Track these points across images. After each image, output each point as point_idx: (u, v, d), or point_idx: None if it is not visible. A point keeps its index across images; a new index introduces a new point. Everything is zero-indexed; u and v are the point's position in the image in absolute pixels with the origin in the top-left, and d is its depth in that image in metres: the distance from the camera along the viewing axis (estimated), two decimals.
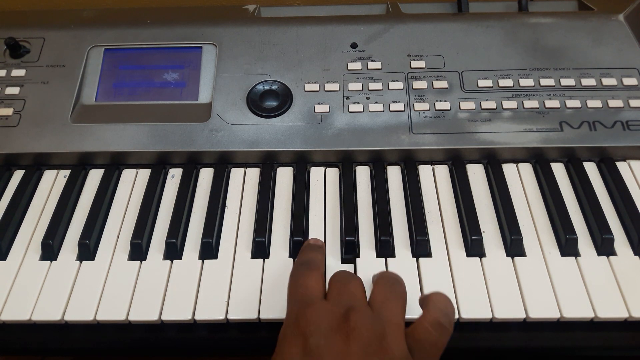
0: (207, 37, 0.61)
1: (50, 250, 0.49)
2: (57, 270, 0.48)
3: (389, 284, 0.39)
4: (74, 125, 0.56)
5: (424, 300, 0.39)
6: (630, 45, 0.59)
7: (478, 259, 0.47)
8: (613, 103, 0.55)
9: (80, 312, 0.45)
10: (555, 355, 0.45)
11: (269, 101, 0.57)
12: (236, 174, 0.55)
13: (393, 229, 0.50)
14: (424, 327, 0.36)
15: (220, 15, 0.67)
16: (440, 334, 0.36)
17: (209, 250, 0.48)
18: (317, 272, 0.41)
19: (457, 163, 0.55)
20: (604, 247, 0.47)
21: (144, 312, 0.45)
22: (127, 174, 0.56)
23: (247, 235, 0.50)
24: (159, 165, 0.56)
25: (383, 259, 0.47)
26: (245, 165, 0.56)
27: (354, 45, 0.60)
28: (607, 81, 0.56)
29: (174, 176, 0.55)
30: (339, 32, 0.61)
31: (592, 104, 0.55)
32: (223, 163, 0.56)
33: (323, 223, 0.51)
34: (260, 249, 0.48)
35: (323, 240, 0.49)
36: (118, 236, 0.50)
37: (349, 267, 0.47)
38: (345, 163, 0.55)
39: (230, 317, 0.44)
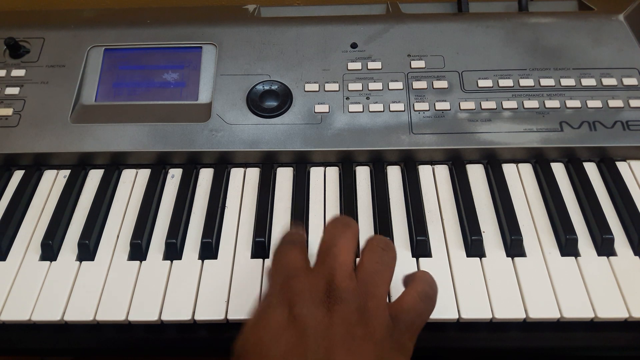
0: (207, 37, 0.61)
1: (50, 250, 0.49)
2: (57, 271, 0.48)
3: (379, 252, 0.38)
4: (74, 126, 0.56)
5: (409, 277, 0.40)
6: (630, 45, 0.59)
7: (478, 259, 0.47)
8: (613, 103, 0.55)
9: (80, 312, 0.45)
10: (555, 355, 0.45)
11: (269, 101, 0.57)
12: (236, 174, 0.55)
13: (393, 229, 0.50)
14: (411, 296, 0.37)
15: (220, 15, 0.67)
16: (426, 304, 0.37)
17: (208, 250, 0.48)
18: (300, 247, 0.41)
19: (457, 163, 0.55)
20: (604, 247, 0.47)
21: (144, 312, 0.45)
22: (127, 174, 0.56)
23: (247, 235, 0.50)
24: (158, 165, 0.56)
25: None
26: (245, 165, 0.56)
27: (354, 45, 0.60)
28: (607, 81, 0.56)
29: (174, 176, 0.55)
30: (339, 32, 0.61)
31: (592, 104, 0.55)
32: (223, 163, 0.56)
33: (323, 223, 0.51)
34: (260, 249, 0.48)
35: None
36: (118, 236, 0.50)
37: None
38: (345, 163, 0.55)
39: (230, 317, 0.44)
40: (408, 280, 0.40)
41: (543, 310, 0.43)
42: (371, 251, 0.39)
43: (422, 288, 0.37)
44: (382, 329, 0.34)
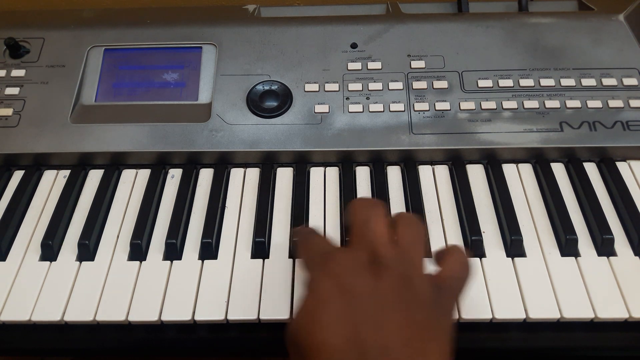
0: (207, 37, 0.61)
1: (50, 250, 0.49)
2: (57, 271, 0.48)
3: (412, 225, 0.39)
4: (74, 126, 0.56)
5: (441, 251, 0.40)
6: (630, 45, 0.59)
7: (478, 259, 0.47)
8: (613, 103, 0.55)
9: (80, 312, 0.45)
10: (555, 355, 0.45)
11: (269, 101, 0.57)
12: (236, 174, 0.55)
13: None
14: (450, 264, 0.37)
15: (220, 15, 0.67)
16: (464, 270, 0.38)
17: (208, 250, 0.48)
18: (321, 235, 0.41)
19: (457, 163, 0.55)
20: (604, 247, 0.47)
21: (144, 312, 0.45)
22: (127, 174, 0.56)
23: (247, 236, 0.50)
24: (158, 165, 0.56)
25: None
26: (245, 165, 0.56)
27: (354, 45, 0.60)
28: (607, 81, 0.56)
29: (174, 176, 0.55)
30: (339, 32, 0.61)
31: (592, 104, 0.55)
32: (223, 163, 0.56)
33: (323, 223, 0.51)
34: (260, 249, 0.48)
35: None
36: (118, 236, 0.50)
37: None
38: (345, 163, 0.55)
39: (230, 317, 0.44)
40: (440, 254, 0.40)
41: (543, 310, 0.43)
42: (404, 225, 0.39)
43: (458, 256, 0.38)
44: (426, 294, 0.34)
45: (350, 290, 0.33)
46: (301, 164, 0.55)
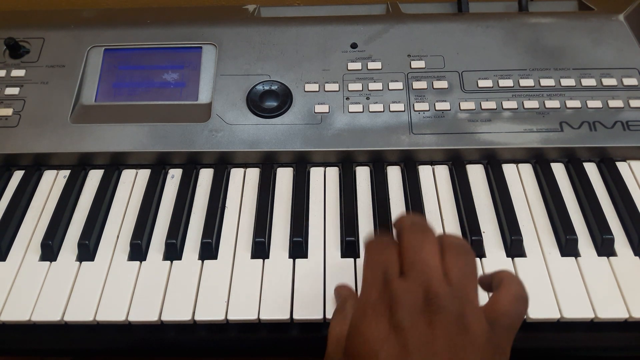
0: (207, 37, 0.61)
1: (49, 250, 0.49)
2: (57, 271, 0.48)
3: (463, 255, 0.37)
4: (74, 126, 0.56)
5: (494, 279, 0.38)
6: (630, 45, 0.59)
7: (478, 259, 0.47)
8: (613, 103, 0.55)
9: (80, 312, 0.45)
10: (555, 355, 0.45)
11: (269, 101, 0.57)
12: (236, 174, 0.55)
13: (393, 229, 0.50)
14: (508, 299, 0.35)
15: (220, 15, 0.67)
16: (522, 306, 0.36)
17: (208, 250, 0.48)
18: (395, 247, 0.39)
19: (457, 163, 0.55)
20: (604, 247, 0.47)
21: (144, 312, 0.45)
22: (127, 175, 0.56)
23: (247, 236, 0.50)
24: (158, 165, 0.56)
25: None
26: (245, 165, 0.56)
27: (354, 45, 0.60)
28: (607, 81, 0.56)
29: (174, 176, 0.55)
30: (339, 32, 0.61)
31: (592, 104, 0.55)
32: (223, 163, 0.56)
33: (323, 223, 0.51)
34: (260, 250, 0.48)
35: (323, 241, 0.49)
36: (118, 237, 0.50)
37: (349, 267, 0.47)
38: (345, 163, 0.55)
39: (230, 317, 0.44)
40: (490, 281, 0.38)
41: (543, 310, 0.43)
42: (455, 255, 0.37)
43: (516, 290, 0.36)
44: (482, 335, 0.33)
45: (403, 336, 0.33)
46: (301, 164, 0.55)
